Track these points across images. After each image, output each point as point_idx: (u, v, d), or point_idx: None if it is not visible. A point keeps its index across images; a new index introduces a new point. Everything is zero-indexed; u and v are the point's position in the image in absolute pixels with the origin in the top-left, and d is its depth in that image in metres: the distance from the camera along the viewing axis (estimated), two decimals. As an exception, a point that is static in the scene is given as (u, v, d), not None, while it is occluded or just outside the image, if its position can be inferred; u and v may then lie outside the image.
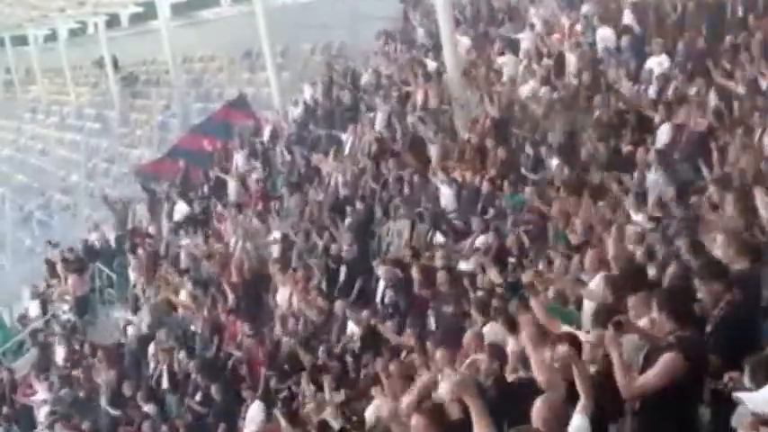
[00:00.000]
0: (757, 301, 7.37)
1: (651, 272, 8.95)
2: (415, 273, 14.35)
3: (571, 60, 18.51)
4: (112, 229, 26.66)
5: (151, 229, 24.97)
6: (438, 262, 14.28)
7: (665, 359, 6.37)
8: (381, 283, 15.34)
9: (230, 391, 15.81)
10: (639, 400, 6.49)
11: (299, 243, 18.48)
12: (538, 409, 6.20)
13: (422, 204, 17.00)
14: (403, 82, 22.40)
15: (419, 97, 20.80)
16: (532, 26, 20.98)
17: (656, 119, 14.75)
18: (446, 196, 16.70)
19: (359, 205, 18.24)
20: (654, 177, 13.03)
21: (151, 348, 18.83)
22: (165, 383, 17.66)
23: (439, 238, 15.77)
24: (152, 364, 18.52)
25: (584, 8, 20.14)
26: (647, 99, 15.83)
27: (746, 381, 5.99)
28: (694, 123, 13.81)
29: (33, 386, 20.39)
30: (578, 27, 19.74)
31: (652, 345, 6.78)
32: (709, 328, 6.98)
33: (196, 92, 36.11)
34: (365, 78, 24.87)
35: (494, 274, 12.68)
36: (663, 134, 14.25)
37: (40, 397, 19.84)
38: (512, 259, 13.42)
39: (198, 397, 16.49)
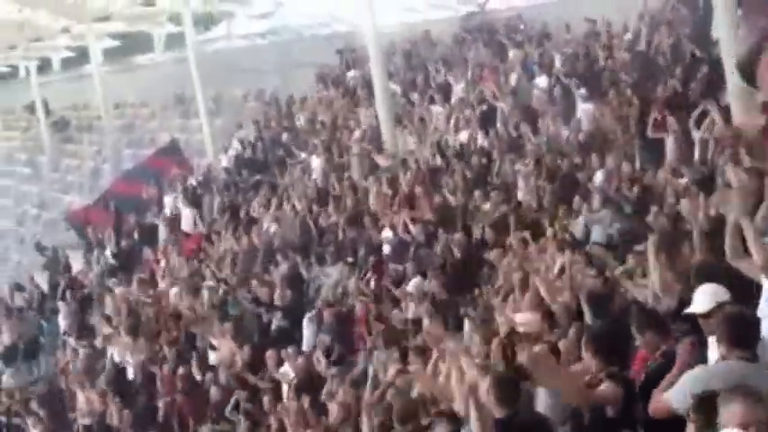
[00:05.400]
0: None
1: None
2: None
3: (503, 107, 18.74)
4: (44, 276, 26.23)
5: (83, 277, 24.60)
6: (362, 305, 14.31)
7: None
8: (309, 329, 15.30)
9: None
10: None
11: (233, 290, 18.27)
12: None
13: (358, 250, 16.93)
14: (339, 129, 22.43)
15: (356, 145, 20.85)
16: (465, 74, 21.21)
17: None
18: (388, 244, 16.63)
19: (292, 253, 18.11)
20: (596, 218, 13.16)
21: (81, 397, 18.49)
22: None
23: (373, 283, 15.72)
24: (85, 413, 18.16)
25: (513, 54, 20.51)
26: (577, 145, 16.10)
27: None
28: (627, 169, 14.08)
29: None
30: (512, 75, 20.03)
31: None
32: (642, 377, 6.90)
33: (128, 138, 35.88)
34: (300, 124, 24.91)
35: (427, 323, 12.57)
36: (598, 179, 14.45)
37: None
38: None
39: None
